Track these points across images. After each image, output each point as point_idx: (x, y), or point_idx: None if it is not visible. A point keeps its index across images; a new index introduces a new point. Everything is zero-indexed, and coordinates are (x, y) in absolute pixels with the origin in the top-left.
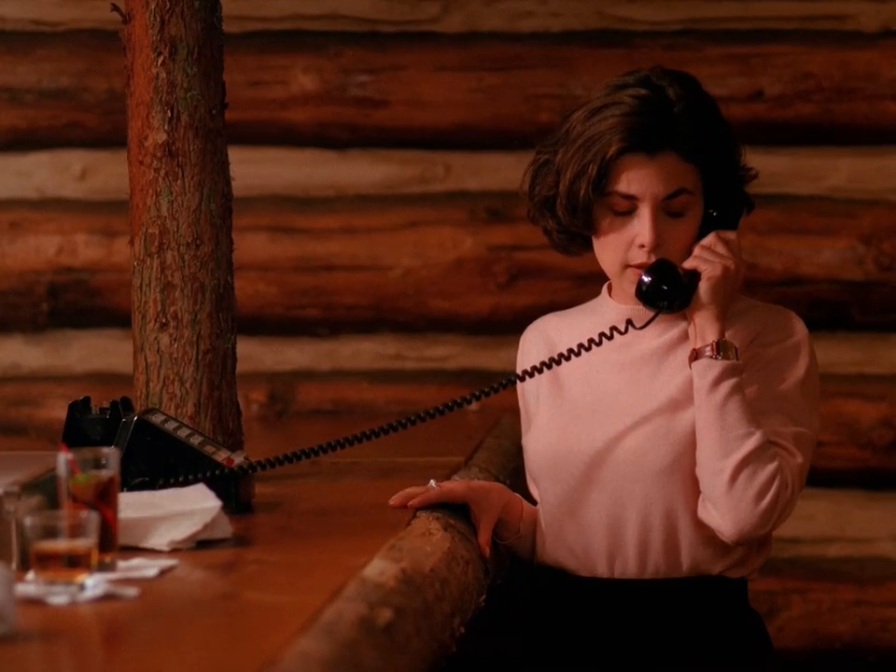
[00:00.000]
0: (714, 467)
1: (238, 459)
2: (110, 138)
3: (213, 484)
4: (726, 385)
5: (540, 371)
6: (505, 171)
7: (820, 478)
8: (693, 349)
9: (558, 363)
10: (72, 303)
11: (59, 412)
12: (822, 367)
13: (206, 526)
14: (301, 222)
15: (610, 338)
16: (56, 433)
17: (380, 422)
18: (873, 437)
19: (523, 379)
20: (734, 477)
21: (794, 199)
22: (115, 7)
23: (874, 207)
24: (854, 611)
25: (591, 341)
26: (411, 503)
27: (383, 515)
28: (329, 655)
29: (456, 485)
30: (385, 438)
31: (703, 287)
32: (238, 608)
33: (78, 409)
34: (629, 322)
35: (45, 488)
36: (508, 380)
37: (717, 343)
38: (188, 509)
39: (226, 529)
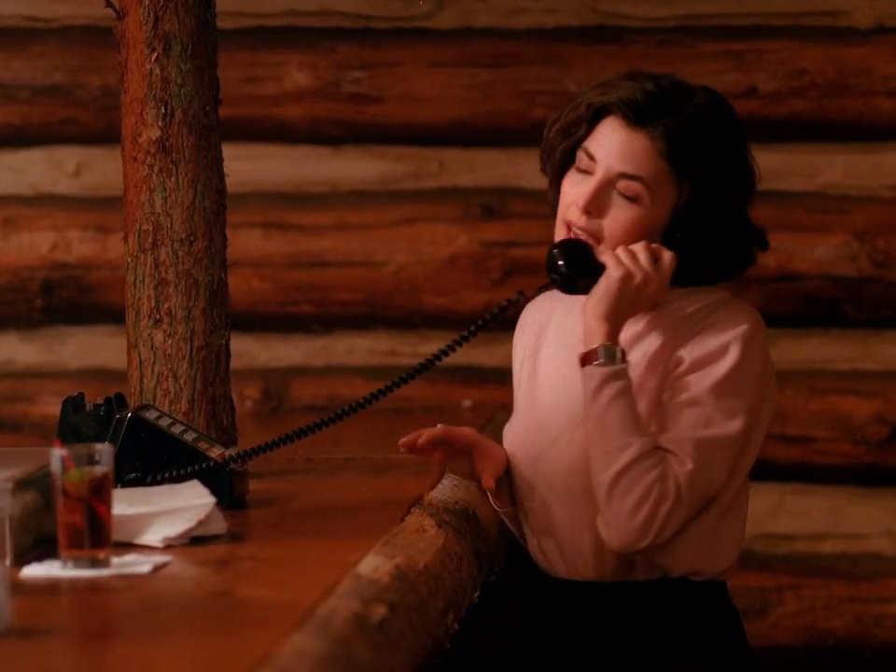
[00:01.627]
0: (596, 480)
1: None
2: (104, 134)
3: (207, 480)
4: (606, 394)
5: (438, 359)
6: (499, 167)
7: (814, 474)
8: (580, 353)
9: (446, 354)
10: (66, 300)
11: (53, 408)
12: (816, 363)
13: (200, 523)
14: (295, 218)
15: (498, 314)
16: (50, 429)
17: (373, 418)
18: (867, 433)
19: (440, 359)
20: (610, 490)
21: (788, 195)
22: (108, 4)
23: (868, 204)
24: (848, 607)
25: (477, 326)
26: (419, 441)
27: (377, 512)
28: (323, 651)
29: (463, 428)
30: (379, 434)
31: (600, 284)
32: (232, 604)
33: (72, 405)
34: (520, 293)
35: (39, 484)
36: (433, 359)
37: (599, 349)
38: (182, 505)
39: (220, 525)
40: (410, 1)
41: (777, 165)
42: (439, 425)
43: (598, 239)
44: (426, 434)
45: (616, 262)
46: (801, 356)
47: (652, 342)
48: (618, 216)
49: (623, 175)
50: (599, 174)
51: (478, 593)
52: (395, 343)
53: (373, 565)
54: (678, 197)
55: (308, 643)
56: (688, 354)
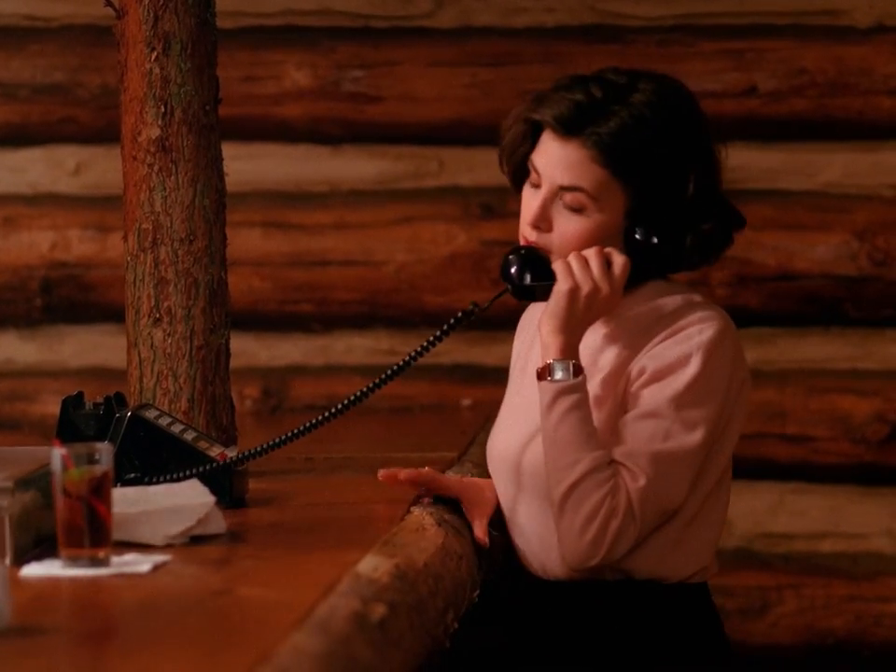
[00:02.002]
0: (551, 495)
1: (231, 455)
2: (104, 134)
3: (207, 479)
4: (559, 409)
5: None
6: (498, 166)
7: (814, 473)
8: (537, 368)
9: (415, 358)
10: (66, 299)
11: (52, 407)
12: (816, 362)
13: (200, 522)
14: (295, 218)
15: (454, 325)
16: (50, 428)
17: (373, 418)
18: (866, 432)
19: (411, 361)
20: (562, 506)
21: (788, 194)
22: (108, 3)
23: (868, 202)
24: (848, 607)
25: (442, 331)
26: (401, 475)
27: (376, 511)
28: (323, 651)
29: (450, 478)
30: (378, 434)
31: (551, 299)
32: (232, 603)
33: (72, 404)
34: (474, 304)
35: (38, 483)
36: (414, 358)
37: (553, 364)
38: (181, 504)
39: (220, 525)
40: (409, 0)
41: (776, 164)
42: (426, 468)
43: (551, 251)
44: (408, 473)
45: (565, 274)
46: (801, 355)
47: (615, 352)
48: (566, 228)
49: (564, 188)
50: (544, 189)
51: (478, 592)
52: (394, 343)
53: (373, 564)
54: (627, 199)
55: (308, 642)
56: (650, 363)
